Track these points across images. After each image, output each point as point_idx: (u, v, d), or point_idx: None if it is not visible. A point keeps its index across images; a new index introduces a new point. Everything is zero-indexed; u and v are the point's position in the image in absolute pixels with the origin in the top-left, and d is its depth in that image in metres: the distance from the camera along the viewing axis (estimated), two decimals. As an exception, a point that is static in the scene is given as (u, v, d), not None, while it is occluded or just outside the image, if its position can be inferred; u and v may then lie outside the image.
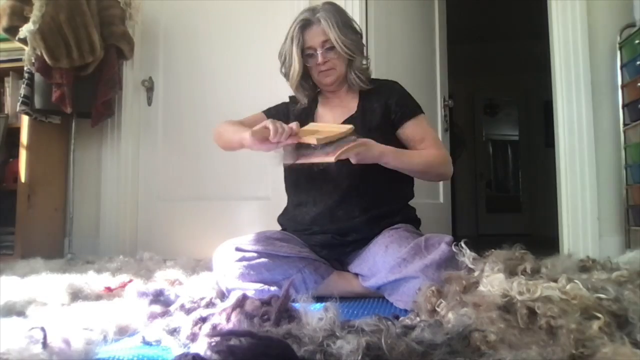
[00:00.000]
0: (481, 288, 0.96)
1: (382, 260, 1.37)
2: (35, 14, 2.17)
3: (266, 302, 0.97)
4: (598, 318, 0.79)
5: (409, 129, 1.58)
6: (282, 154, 1.40)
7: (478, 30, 5.11)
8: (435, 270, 1.22)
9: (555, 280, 0.93)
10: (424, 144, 1.57)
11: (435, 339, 0.73)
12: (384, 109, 1.59)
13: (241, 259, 1.39)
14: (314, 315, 0.86)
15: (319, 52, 1.54)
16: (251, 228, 1.80)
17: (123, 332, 0.98)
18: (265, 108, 1.76)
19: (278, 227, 1.66)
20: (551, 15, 2.29)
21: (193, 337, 0.89)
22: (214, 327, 0.89)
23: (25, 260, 2.02)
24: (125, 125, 2.69)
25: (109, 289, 1.38)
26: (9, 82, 2.63)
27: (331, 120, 1.62)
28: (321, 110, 1.68)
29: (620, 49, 2.14)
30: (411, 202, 1.66)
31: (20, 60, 2.42)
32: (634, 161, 2.07)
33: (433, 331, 0.76)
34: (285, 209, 1.68)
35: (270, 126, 1.33)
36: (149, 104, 2.73)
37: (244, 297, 0.99)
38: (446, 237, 1.32)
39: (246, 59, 2.57)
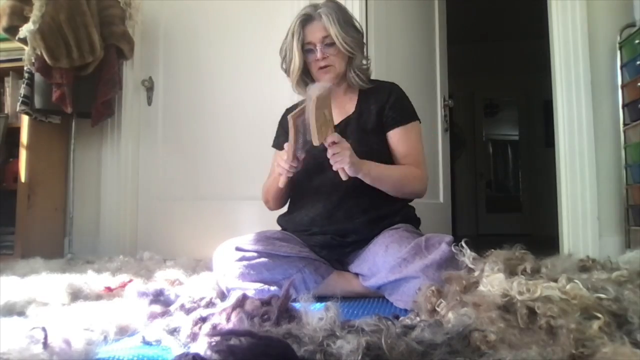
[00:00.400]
0: (481, 288, 0.96)
1: (383, 260, 1.37)
2: (35, 14, 2.17)
3: (266, 302, 0.97)
4: (598, 318, 0.80)
5: (396, 137, 1.57)
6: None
7: (478, 30, 5.11)
8: (436, 270, 1.22)
9: (555, 280, 0.93)
10: (406, 160, 1.56)
11: (435, 339, 0.73)
12: (379, 111, 1.58)
13: (241, 259, 1.39)
14: (314, 315, 0.86)
15: (319, 47, 1.53)
16: (251, 228, 1.80)
17: (123, 332, 0.98)
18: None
19: (278, 227, 1.66)
20: (551, 15, 2.29)
21: (193, 337, 0.89)
22: (214, 327, 0.89)
23: (25, 260, 2.02)
24: (125, 125, 2.69)
25: (109, 289, 1.38)
26: (9, 82, 2.63)
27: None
28: None
29: (620, 49, 2.14)
30: (411, 202, 1.66)
31: (20, 60, 2.42)
32: (634, 161, 2.07)
33: (433, 331, 0.76)
34: (287, 211, 1.68)
35: (277, 169, 1.45)
36: (149, 103, 2.73)
37: (244, 297, 0.99)
38: (446, 237, 1.32)
39: (246, 59, 2.57)
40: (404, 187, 1.53)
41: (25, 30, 2.18)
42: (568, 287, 0.89)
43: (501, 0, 4.45)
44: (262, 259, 1.40)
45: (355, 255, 1.51)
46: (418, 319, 0.95)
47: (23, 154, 2.48)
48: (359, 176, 1.41)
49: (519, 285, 0.89)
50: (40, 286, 1.34)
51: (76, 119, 2.53)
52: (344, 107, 1.63)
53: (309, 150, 1.42)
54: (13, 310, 1.13)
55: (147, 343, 0.91)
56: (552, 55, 2.28)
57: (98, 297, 1.33)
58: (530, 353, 0.70)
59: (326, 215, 1.51)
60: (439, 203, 2.77)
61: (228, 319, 0.92)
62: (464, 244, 1.17)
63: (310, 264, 1.46)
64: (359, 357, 0.68)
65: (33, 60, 2.31)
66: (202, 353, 0.69)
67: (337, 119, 1.59)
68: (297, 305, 0.95)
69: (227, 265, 1.40)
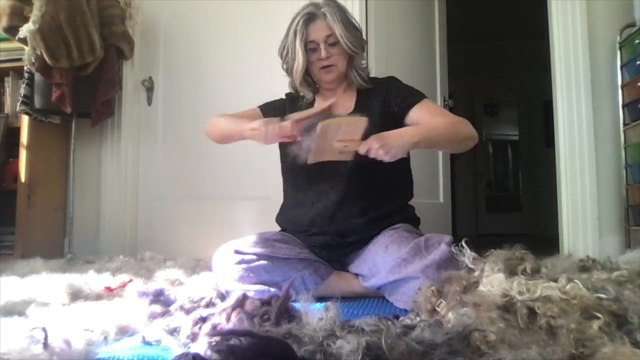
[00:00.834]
0: (481, 288, 0.96)
1: (382, 260, 1.37)
2: (35, 14, 2.17)
3: (266, 302, 0.97)
4: (598, 318, 0.80)
5: (420, 113, 1.53)
6: (303, 149, 1.39)
7: (478, 30, 5.11)
8: (435, 271, 1.22)
9: (555, 280, 0.93)
10: (434, 120, 1.51)
11: (435, 339, 0.73)
12: (382, 105, 1.57)
13: (240, 262, 1.39)
14: (314, 315, 0.86)
15: (322, 46, 1.52)
16: (251, 228, 1.80)
17: (123, 332, 0.98)
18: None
19: (278, 227, 1.66)
20: (551, 15, 2.29)
21: (193, 337, 0.89)
22: (214, 327, 0.89)
23: (25, 260, 2.03)
24: (125, 125, 2.69)
25: (109, 289, 1.38)
26: (9, 82, 2.63)
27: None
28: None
29: (620, 49, 2.14)
30: (411, 202, 1.66)
31: (20, 60, 2.42)
32: (634, 161, 2.07)
33: (433, 331, 0.76)
34: (283, 209, 1.67)
35: (262, 129, 1.37)
36: (149, 104, 2.73)
37: (244, 297, 0.99)
38: (446, 237, 1.32)
39: (246, 59, 2.57)
40: (458, 134, 1.48)
41: (25, 30, 2.18)
42: (568, 287, 0.89)
43: (501, 0, 4.45)
44: (262, 262, 1.40)
45: (355, 255, 1.51)
46: (418, 319, 0.95)
47: (23, 154, 2.48)
48: (412, 148, 1.40)
49: (519, 285, 0.89)
50: (40, 286, 1.34)
51: (76, 119, 2.53)
52: (343, 105, 1.62)
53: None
54: (13, 311, 1.13)
55: (147, 343, 0.91)
56: (552, 55, 2.28)
57: (98, 297, 1.33)
58: (530, 353, 0.70)
59: (326, 215, 1.51)
60: (439, 203, 2.77)
61: (228, 319, 0.92)
62: (464, 244, 1.17)
63: (309, 265, 1.46)
64: (359, 357, 0.68)
65: (33, 60, 2.31)
66: (202, 353, 0.69)
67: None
68: (297, 305, 0.95)
69: (226, 268, 1.39)
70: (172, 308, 1.08)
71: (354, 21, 1.61)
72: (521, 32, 4.88)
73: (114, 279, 1.54)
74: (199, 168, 2.61)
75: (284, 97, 1.75)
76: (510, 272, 1.02)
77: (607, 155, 2.18)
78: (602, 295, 0.87)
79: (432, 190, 2.70)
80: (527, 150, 6.28)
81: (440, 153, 2.81)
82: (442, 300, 0.98)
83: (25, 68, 2.41)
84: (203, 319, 0.93)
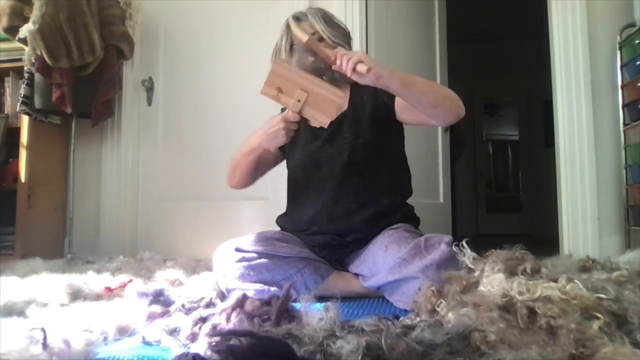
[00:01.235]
0: (481, 288, 0.96)
1: (382, 260, 1.37)
2: (35, 14, 2.17)
3: (266, 302, 0.97)
4: (598, 318, 0.80)
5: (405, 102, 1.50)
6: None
7: (478, 30, 5.11)
8: (435, 271, 1.22)
9: (555, 280, 0.93)
10: None
11: (435, 339, 0.73)
12: (372, 98, 1.58)
13: (241, 260, 1.39)
14: (314, 315, 0.86)
15: None
16: (251, 228, 1.80)
17: (123, 332, 0.98)
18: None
19: (278, 228, 1.66)
20: (551, 15, 2.29)
21: (193, 337, 0.89)
22: (214, 327, 0.89)
23: (25, 260, 2.02)
24: (125, 125, 2.69)
25: (109, 289, 1.38)
26: (9, 82, 2.63)
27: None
28: None
29: (620, 49, 2.14)
30: (411, 202, 1.66)
31: (20, 60, 2.42)
32: (634, 161, 2.07)
33: (433, 331, 0.76)
34: (285, 211, 1.68)
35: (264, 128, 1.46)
36: (149, 104, 2.73)
37: (244, 297, 0.99)
38: (446, 237, 1.32)
39: (246, 59, 2.57)
40: (438, 95, 1.40)
41: (25, 30, 2.18)
42: (568, 287, 0.89)
43: (501, 0, 4.45)
44: (262, 260, 1.40)
45: (355, 255, 1.51)
46: (418, 319, 0.95)
47: (23, 154, 2.48)
48: (384, 78, 1.28)
49: (519, 285, 0.89)
50: (40, 286, 1.34)
51: (76, 119, 2.53)
52: None
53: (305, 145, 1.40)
54: (13, 311, 1.13)
55: (147, 343, 0.91)
56: (552, 55, 2.28)
57: (98, 297, 1.33)
58: (530, 353, 0.70)
59: (326, 212, 1.51)
60: (439, 203, 2.77)
61: (228, 319, 0.92)
62: (464, 244, 1.17)
63: (310, 265, 1.46)
64: (359, 357, 0.68)
65: (33, 60, 2.31)
66: (202, 353, 0.69)
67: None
68: (297, 305, 0.95)
69: (227, 266, 1.40)
70: (172, 308, 1.08)
71: (338, 22, 1.65)
72: (521, 32, 4.88)
73: (113, 279, 1.54)
74: (199, 168, 2.61)
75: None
76: (510, 272, 1.02)
77: (607, 155, 2.18)
78: (602, 296, 0.87)
79: (432, 190, 2.70)
80: (527, 150, 6.28)
81: (439, 153, 2.81)
82: (442, 300, 0.98)
83: (25, 68, 2.41)
84: (203, 319, 0.93)
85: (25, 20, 2.20)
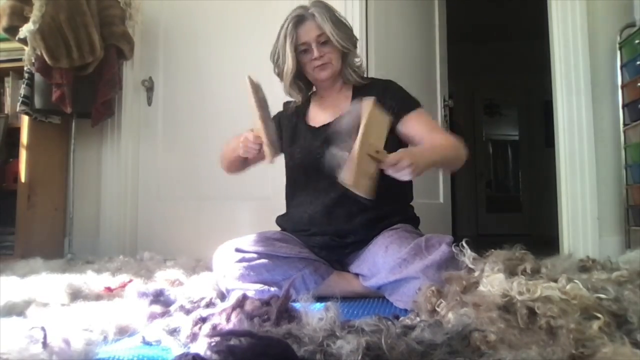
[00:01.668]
0: (481, 288, 0.96)
1: (382, 260, 1.37)
2: (35, 14, 2.17)
3: (266, 302, 0.97)
4: (598, 318, 0.80)
5: (412, 123, 1.53)
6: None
7: (478, 30, 5.11)
8: (436, 271, 1.22)
9: (555, 280, 0.93)
10: (430, 135, 1.51)
11: (435, 339, 0.73)
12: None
13: (241, 260, 1.39)
14: (314, 315, 0.86)
15: (314, 46, 1.53)
16: (251, 228, 1.80)
17: (123, 332, 0.98)
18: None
19: (278, 228, 1.66)
20: (551, 15, 2.29)
21: (193, 337, 0.89)
22: (214, 327, 0.89)
23: (25, 260, 2.02)
24: (125, 125, 2.69)
25: (109, 289, 1.38)
26: (9, 82, 2.63)
27: (323, 118, 1.61)
28: (313, 111, 1.67)
29: (620, 49, 2.14)
30: (410, 202, 1.66)
31: (20, 60, 2.42)
32: (634, 161, 2.07)
33: (433, 331, 0.76)
34: (285, 211, 1.68)
35: (235, 144, 1.49)
36: (149, 104, 2.72)
37: (244, 297, 0.99)
38: (446, 237, 1.32)
39: (246, 59, 2.56)
40: (461, 156, 1.50)
41: (25, 30, 2.18)
42: (568, 287, 0.89)
43: (501, 0, 4.45)
44: (262, 260, 1.40)
45: (355, 255, 1.51)
46: (418, 319, 0.95)
47: (23, 154, 2.47)
48: (422, 170, 1.33)
49: (519, 285, 0.89)
50: (40, 286, 1.34)
51: (76, 119, 2.53)
52: (339, 106, 1.61)
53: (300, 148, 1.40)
54: (13, 311, 1.13)
55: (147, 343, 0.91)
56: (552, 55, 2.28)
57: (98, 297, 1.33)
58: (530, 353, 0.70)
59: (325, 213, 1.51)
60: (439, 203, 2.77)
61: (228, 320, 0.92)
62: (464, 244, 1.17)
63: (310, 265, 1.46)
64: (359, 357, 0.68)
65: (33, 60, 2.31)
66: (202, 353, 0.69)
67: (331, 116, 1.57)
68: (297, 305, 0.95)
69: (227, 266, 1.39)
70: (172, 308, 1.08)
71: (343, 20, 1.62)
72: (521, 32, 4.88)
73: (113, 279, 1.54)
74: (199, 168, 2.61)
75: (281, 103, 1.76)
76: (510, 272, 1.02)
77: (607, 155, 2.18)
78: (602, 296, 0.87)
79: (432, 190, 2.70)
80: (527, 150, 6.28)
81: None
82: (442, 301, 0.98)
83: (25, 68, 2.41)
84: (203, 319, 0.93)
85: (25, 20, 2.20)
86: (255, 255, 1.41)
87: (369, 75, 2.39)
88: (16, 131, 2.52)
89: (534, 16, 3.26)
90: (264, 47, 2.42)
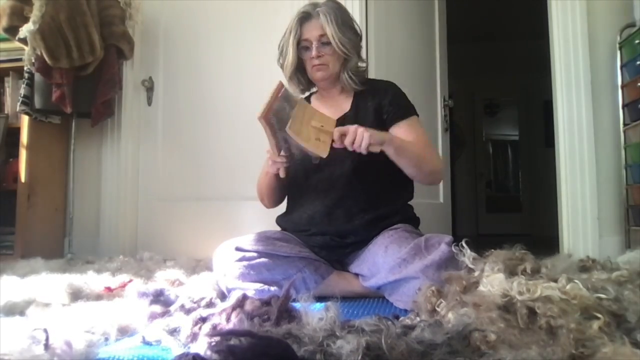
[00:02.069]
0: (481, 288, 0.96)
1: (382, 260, 1.37)
2: (35, 14, 2.17)
3: (266, 302, 0.97)
4: (598, 318, 0.80)
5: (401, 130, 1.54)
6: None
7: (478, 30, 5.11)
8: (435, 271, 1.22)
9: (555, 280, 0.93)
10: (417, 142, 1.52)
11: (435, 339, 0.73)
12: (376, 109, 1.57)
13: (241, 259, 1.39)
14: (314, 315, 0.86)
15: (314, 45, 1.53)
16: (251, 228, 1.80)
17: (123, 332, 0.98)
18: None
19: (278, 228, 1.66)
20: (551, 15, 2.29)
21: (193, 337, 0.89)
22: (214, 327, 0.89)
23: (25, 260, 2.02)
24: (125, 125, 2.69)
25: (109, 289, 1.38)
26: (9, 82, 2.63)
27: None
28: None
29: (620, 49, 2.14)
30: (411, 202, 1.66)
31: (20, 60, 2.42)
32: (634, 161, 2.07)
33: (433, 331, 0.76)
34: (285, 211, 1.68)
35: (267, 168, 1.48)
36: (149, 104, 2.72)
37: (244, 297, 0.99)
38: (446, 237, 1.32)
39: (246, 59, 2.57)
40: (425, 163, 1.50)
41: (25, 30, 2.18)
42: (568, 287, 0.89)
43: (501, 0, 4.45)
44: (262, 259, 1.40)
45: (355, 255, 1.51)
46: (418, 319, 0.95)
47: (23, 154, 2.48)
48: (384, 147, 1.37)
49: (519, 285, 0.89)
50: (40, 286, 1.34)
51: (76, 119, 2.53)
52: (340, 106, 1.62)
53: (295, 146, 1.41)
54: (13, 311, 1.13)
55: (147, 343, 0.91)
56: (552, 55, 2.28)
57: (98, 297, 1.33)
58: (530, 353, 0.70)
59: (325, 213, 1.51)
60: (439, 203, 2.77)
61: (228, 319, 0.92)
62: (464, 244, 1.17)
63: (310, 264, 1.46)
64: (359, 357, 0.68)
65: (33, 60, 2.31)
66: (202, 353, 0.69)
67: (334, 117, 1.56)
68: (297, 305, 0.95)
69: (227, 265, 1.40)
70: (172, 308, 1.08)
71: (354, 24, 1.60)
72: (521, 32, 4.88)
73: (113, 279, 1.54)
74: (199, 168, 2.62)
75: None
76: (510, 272, 1.02)
77: (607, 155, 2.18)
78: (602, 295, 0.87)
79: (432, 190, 2.70)
80: (527, 150, 6.29)
81: (440, 152, 2.80)
82: (442, 300, 0.98)
83: (25, 68, 2.41)
84: (203, 319, 0.93)
85: (25, 20, 2.20)
86: (255, 254, 1.41)
87: (369, 76, 2.40)
88: (16, 131, 2.52)
89: (534, 16, 3.26)
90: (264, 47, 2.44)
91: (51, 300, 1.21)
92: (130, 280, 1.48)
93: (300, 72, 1.63)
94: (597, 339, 0.74)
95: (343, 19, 1.55)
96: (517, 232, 5.68)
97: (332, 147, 1.35)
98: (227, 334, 0.73)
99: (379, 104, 1.58)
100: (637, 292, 0.91)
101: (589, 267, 1.25)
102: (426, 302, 1.00)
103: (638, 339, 0.77)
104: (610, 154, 2.17)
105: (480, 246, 1.18)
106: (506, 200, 6.88)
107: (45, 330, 0.78)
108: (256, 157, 2.34)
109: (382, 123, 1.56)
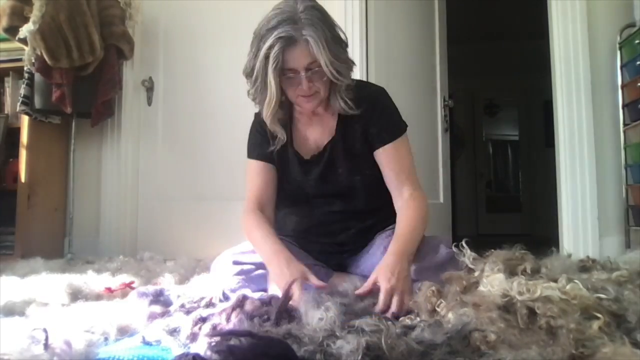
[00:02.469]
0: (481, 288, 0.96)
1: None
2: (35, 14, 2.17)
3: (266, 302, 0.97)
4: (598, 318, 0.80)
5: (385, 155, 1.42)
6: None
7: (478, 30, 5.11)
8: (434, 273, 1.21)
9: (555, 280, 0.93)
10: (400, 178, 1.41)
11: (435, 339, 0.73)
12: (363, 130, 1.43)
13: (239, 273, 1.37)
14: (314, 315, 0.86)
15: (303, 75, 1.27)
16: (251, 228, 1.79)
17: (123, 332, 0.98)
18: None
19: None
20: (551, 15, 2.29)
21: (193, 337, 0.89)
22: (214, 327, 0.89)
23: (25, 260, 2.02)
24: (125, 125, 2.69)
25: (109, 290, 1.38)
26: (9, 82, 2.63)
27: (312, 143, 1.47)
28: (298, 133, 1.49)
29: (620, 49, 2.14)
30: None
31: (20, 60, 2.42)
32: (634, 161, 2.07)
33: (433, 331, 0.76)
34: (281, 216, 1.57)
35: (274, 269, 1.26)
36: (149, 104, 2.72)
37: (244, 297, 0.99)
38: (445, 239, 1.32)
39: (246, 59, 2.56)
40: (422, 230, 1.36)
41: (25, 30, 2.18)
42: (568, 287, 0.89)
43: (501, 0, 4.45)
44: (261, 271, 1.38)
45: (353, 258, 1.51)
46: (418, 319, 0.95)
47: (23, 154, 2.47)
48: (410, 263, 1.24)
49: (519, 285, 0.89)
50: (40, 286, 1.34)
51: (76, 119, 2.53)
52: (327, 125, 1.47)
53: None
54: (13, 311, 1.13)
55: (147, 343, 0.91)
56: (552, 55, 2.28)
57: (98, 297, 1.32)
58: (530, 353, 0.70)
59: (322, 226, 1.49)
60: (439, 203, 2.77)
61: (228, 319, 0.92)
62: (464, 244, 1.17)
63: (309, 270, 1.45)
64: (359, 357, 0.68)
65: (33, 60, 2.31)
66: (202, 353, 0.69)
67: (321, 141, 1.46)
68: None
69: (225, 279, 1.38)
70: (172, 308, 1.08)
71: (339, 32, 1.32)
72: (521, 32, 4.89)
73: (113, 279, 1.53)
74: (199, 168, 2.61)
75: (254, 117, 1.58)
76: (510, 272, 1.02)
77: (607, 155, 2.18)
78: (602, 295, 0.87)
79: (432, 190, 2.70)
80: (527, 150, 6.29)
81: (439, 153, 2.81)
82: (442, 300, 0.98)
83: (25, 68, 2.41)
84: (203, 319, 0.93)
85: (25, 20, 2.20)
86: (253, 267, 1.39)
87: (368, 78, 2.39)
88: (16, 131, 2.52)
89: (534, 16, 3.26)
90: (264, 47, 2.44)
91: (51, 300, 1.21)
92: (132, 282, 1.48)
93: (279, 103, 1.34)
94: (597, 339, 0.74)
95: (332, 35, 1.28)
96: (517, 232, 5.68)
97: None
98: (227, 334, 0.73)
99: (365, 124, 1.43)
100: (637, 292, 0.91)
101: (589, 267, 1.25)
102: (426, 302, 1.00)
103: (638, 339, 0.77)
104: (610, 154, 2.17)
105: (480, 246, 1.18)
106: (506, 200, 6.89)
107: (45, 330, 0.78)
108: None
109: (369, 145, 1.45)
